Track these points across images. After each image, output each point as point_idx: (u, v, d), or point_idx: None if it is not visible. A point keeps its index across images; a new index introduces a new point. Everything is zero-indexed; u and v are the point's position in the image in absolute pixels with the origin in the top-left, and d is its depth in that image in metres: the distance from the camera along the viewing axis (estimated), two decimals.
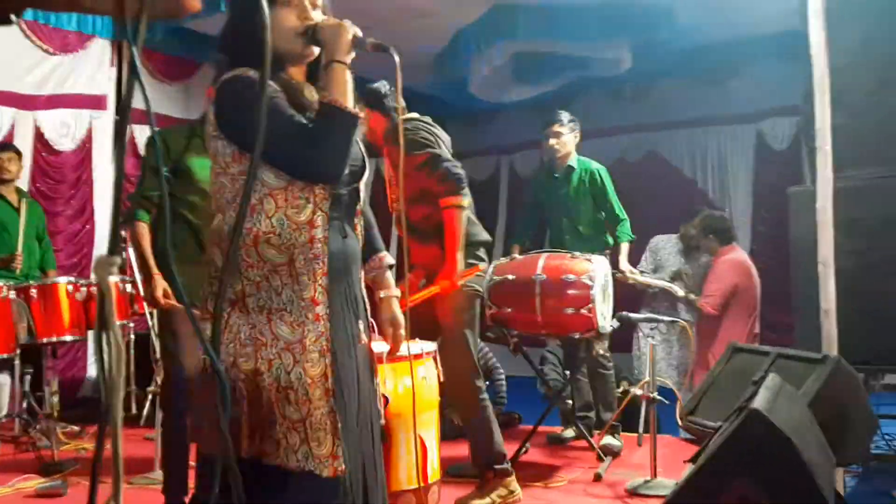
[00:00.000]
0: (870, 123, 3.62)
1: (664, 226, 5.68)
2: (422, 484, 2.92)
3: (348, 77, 1.83)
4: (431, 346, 3.15)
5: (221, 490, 1.90)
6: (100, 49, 6.10)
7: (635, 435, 4.01)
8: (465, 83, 7.09)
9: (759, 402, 2.41)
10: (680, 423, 3.96)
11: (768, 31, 6.52)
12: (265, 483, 1.74)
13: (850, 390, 3.14)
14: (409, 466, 2.88)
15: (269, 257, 1.78)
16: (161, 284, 2.96)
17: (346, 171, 1.89)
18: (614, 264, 4.33)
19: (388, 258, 2.20)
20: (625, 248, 4.40)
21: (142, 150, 5.35)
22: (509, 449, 3.99)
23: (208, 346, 1.39)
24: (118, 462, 0.77)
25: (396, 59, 1.84)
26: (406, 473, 2.88)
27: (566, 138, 4.30)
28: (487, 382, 5.08)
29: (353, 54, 1.86)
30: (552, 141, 4.29)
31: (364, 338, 1.98)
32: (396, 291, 2.19)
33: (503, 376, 5.08)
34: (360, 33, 1.86)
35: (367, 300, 2.09)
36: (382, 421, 2.14)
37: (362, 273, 2.06)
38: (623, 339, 5.46)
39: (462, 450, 3.91)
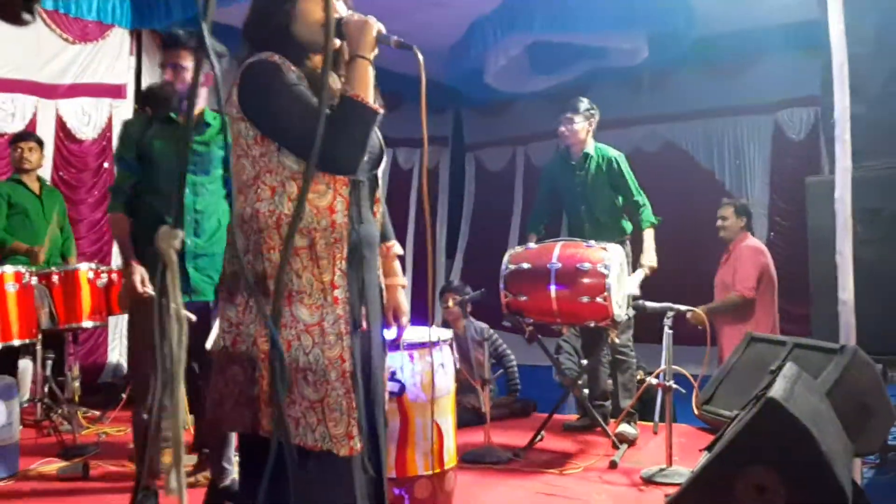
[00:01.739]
0: (888, 113, 3.60)
1: (680, 217, 5.66)
2: (437, 470, 2.94)
3: (371, 72, 1.86)
4: (448, 333, 3.17)
5: (247, 474, 1.94)
6: (119, 38, 6.14)
7: (651, 424, 4.02)
8: (481, 73, 7.08)
9: (776, 391, 2.42)
10: (696, 412, 3.97)
11: (785, 20, 6.47)
12: (284, 460, 1.79)
13: (868, 380, 3.13)
14: (426, 452, 2.91)
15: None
16: (138, 270, 2.95)
17: (366, 159, 1.93)
18: (637, 254, 4.25)
19: (397, 247, 2.23)
20: (649, 234, 4.23)
21: None
22: (525, 436, 4.02)
23: (271, 325, 1.44)
24: (178, 432, 0.80)
25: (420, 57, 1.87)
26: (422, 459, 2.90)
27: (578, 126, 4.26)
28: (500, 370, 5.09)
29: (376, 51, 1.89)
30: (562, 128, 4.27)
31: (367, 323, 1.99)
32: (402, 280, 2.23)
33: (514, 362, 5.09)
34: (384, 30, 1.89)
35: (383, 286, 2.12)
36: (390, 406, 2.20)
37: (379, 259, 2.10)
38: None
39: (478, 436, 3.94)
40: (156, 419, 2.95)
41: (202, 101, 3.13)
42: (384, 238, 2.19)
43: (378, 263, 2.08)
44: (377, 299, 2.06)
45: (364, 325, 1.96)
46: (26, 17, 0.96)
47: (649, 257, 4.19)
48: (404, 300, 2.23)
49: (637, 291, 4.05)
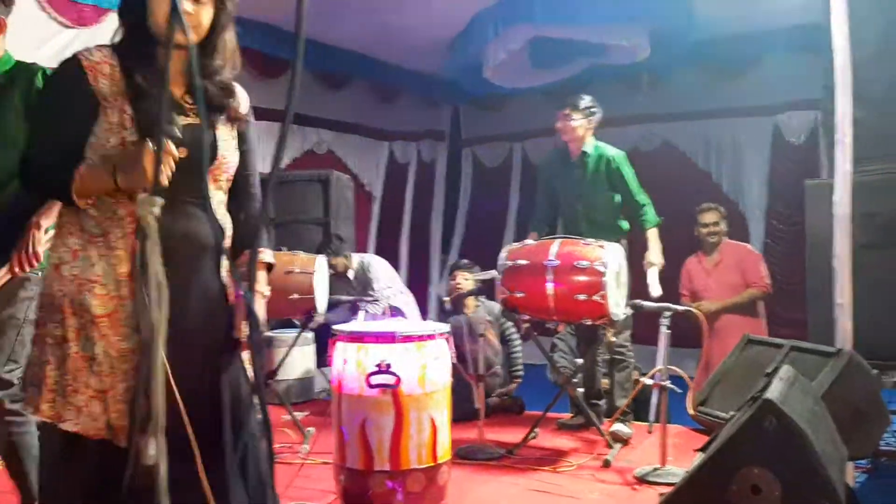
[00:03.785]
0: (889, 117, 3.59)
1: (676, 218, 5.63)
2: (431, 463, 2.93)
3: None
4: (444, 326, 3.15)
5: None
6: (115, 23, 6.07)
7: (646, 424, 4.01)
8: (481, 68, 7.04)
9: (772, 393, 2.41)
10: (691, 412, 3.96)
11: (787, 23, 6.47)
12: (62, 446, 1.77)
13: (863, 385, 3.14)
14: (419, 446, 2.89)
15: (88, 228, 1.78)
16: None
17: (184, 157, 1.78)
18: (641, 253, 4.22)
19: (265, 255, 2.02)
20: (653, 234, 4.20)
21: None
22: (518, 434, 4.00)
23: (248, 296, 1.41)
24: (158, 399, 0.78)
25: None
26: (416, 453, 2.89)
27: (576, 123, 4.22)
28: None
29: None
30: (560, 124, 4.24)
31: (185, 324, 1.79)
32: (262, 289, 2.00)
33: (520, 349, 5.04)
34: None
35: (227, 288, 1.93)
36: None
37: (217, 261, 1.92)
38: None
39: (471, 433, 3.92)
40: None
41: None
42: (248, 245, 1.96)
43: (207, 265, 1.90)
44: (205, 301, 1.88)
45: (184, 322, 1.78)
46: None
47: (656, 254, 4.18)
48: (257, 307, 1.92)
49: (659, 291, 4.07)
